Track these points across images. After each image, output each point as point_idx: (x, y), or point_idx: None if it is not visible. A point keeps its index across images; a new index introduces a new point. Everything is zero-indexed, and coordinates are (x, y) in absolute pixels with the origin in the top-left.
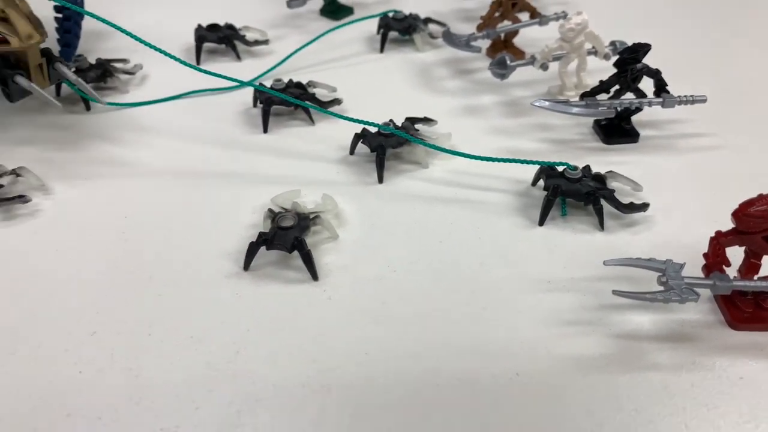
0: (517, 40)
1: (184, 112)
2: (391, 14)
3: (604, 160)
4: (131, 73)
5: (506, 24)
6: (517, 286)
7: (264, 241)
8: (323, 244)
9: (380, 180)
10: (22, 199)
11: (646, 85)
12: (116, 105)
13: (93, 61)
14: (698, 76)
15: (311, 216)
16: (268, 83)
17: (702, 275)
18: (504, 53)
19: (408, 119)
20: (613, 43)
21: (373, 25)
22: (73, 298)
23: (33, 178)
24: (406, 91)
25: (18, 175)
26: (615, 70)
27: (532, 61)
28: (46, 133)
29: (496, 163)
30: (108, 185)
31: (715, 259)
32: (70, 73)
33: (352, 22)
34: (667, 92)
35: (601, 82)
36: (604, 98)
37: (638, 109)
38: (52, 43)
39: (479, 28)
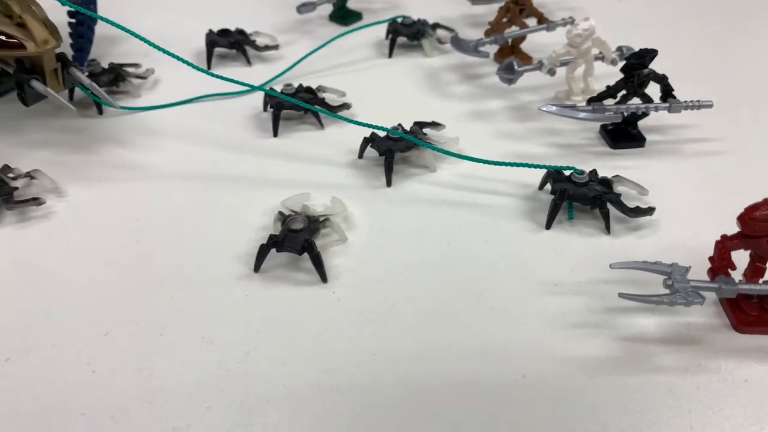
0: (524, 46)
1: (196, 116)
2: (399, 20)
3: (610, 164)
4: (143, 77)
5: (514, 29)
6: (524, 289)
7: (274, 243)
8: (332, 246)
9: (389, 183)
10: (36, 201)
11: (653, 90)
12: (129, 109)
13: (105, 66)
14: (704, 82)
15: (321, 219)
16: (278, 88)
17: (707, 279)
18: (512, 58)
19: (416, 123)
20: (620, 49)
21: (381, 30)
22: (86, 299)
23: (47, 181)
24: (415, 95)
25: (32, 178)
26: (622, 76)
27: (540, 66)
28: (59, 136)
29: (504, 167)
30: (120, 188)
31: (720, 263)
32: (84, 77)
33: (361, 27)
34: (674, 97)
35: (608, 87)
36: (610, 103)
37: (645, 114)
38: (65, 47)
39: (487, 33)
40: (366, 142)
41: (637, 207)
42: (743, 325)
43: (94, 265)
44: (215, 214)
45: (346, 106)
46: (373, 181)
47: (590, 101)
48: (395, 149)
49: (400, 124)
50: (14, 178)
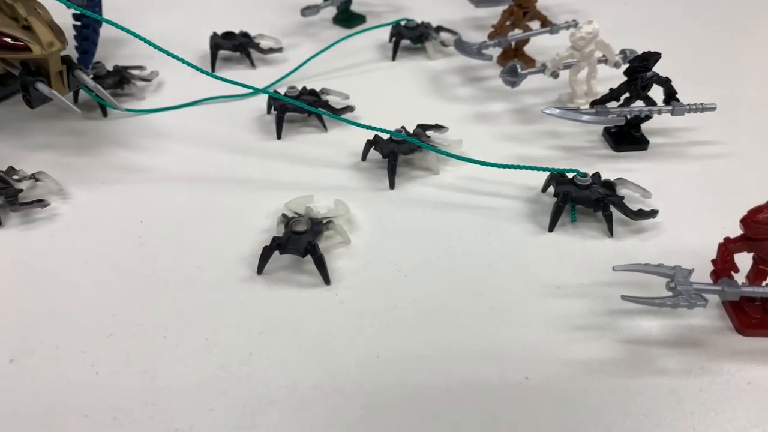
0: (527, 49)
1: (200, 118)
2: (403, 23)
3: (613, 167)
4: (147, 79)
5: (517, 32)
6: (526, 291)
7: (277, 245)
8: (335, 248)
9: (392, 186)
10: (40, 203)
11: (656, 93)
12: (133, 111)
13: (110, 68)
14: (708, 85)
15: (324, 221)
16: (282, 90)
17: (710, 281)
18: (515, 61)
19: (419, 126)
20: (623, 52)
21: (385, 33)
22: (90, 301)
23: (51, 183)
24: (418, 98)
25: (37, 180)
26: (625, 79)
27: (543, 69)
28: (64, 138)
29: (507, 169)
30: (124, 190)
31: (723, 266)
32: (89, 80)
33: (365, 30)
34: (677, 100)
35: (611, 90)
36: (614, 106)
37: (648, 117)
38: (70, 50)
39: (490, 36)
40: (369, 144)
41: (640, 209)
42: (746, 328)
43: (98, 266)
44: (219, 217)
45: (349, 108)
46: (376, 184)
47: (593, 104)
48: (398, 152)
49: (403, 127)
50: (19, 180)
